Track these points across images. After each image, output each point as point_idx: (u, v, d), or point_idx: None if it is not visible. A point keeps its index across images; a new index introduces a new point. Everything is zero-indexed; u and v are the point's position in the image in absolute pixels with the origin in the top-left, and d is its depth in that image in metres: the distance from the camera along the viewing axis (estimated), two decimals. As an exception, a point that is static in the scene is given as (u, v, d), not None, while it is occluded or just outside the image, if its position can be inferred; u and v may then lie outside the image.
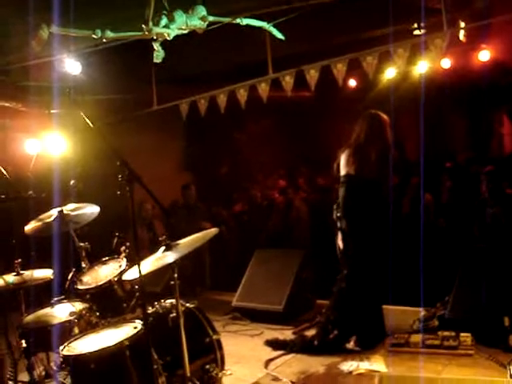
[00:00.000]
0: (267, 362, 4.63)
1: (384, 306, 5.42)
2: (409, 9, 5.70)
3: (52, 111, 6.86)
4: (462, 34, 5.67)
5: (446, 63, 7.17)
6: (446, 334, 4.50)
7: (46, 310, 3.69)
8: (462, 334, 4.44)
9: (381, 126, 4.79)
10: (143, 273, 2.95)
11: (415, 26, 6.54)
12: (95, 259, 4.15)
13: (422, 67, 6.64)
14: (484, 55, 7.10)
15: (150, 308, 3.61)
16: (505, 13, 5.28)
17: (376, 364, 4.28)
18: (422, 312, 4.99)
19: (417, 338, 4.56)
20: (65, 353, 3.00)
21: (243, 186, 9.41)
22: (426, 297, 4.93)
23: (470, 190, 6.89)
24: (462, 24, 5.65)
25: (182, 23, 4.23)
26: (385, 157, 4.70)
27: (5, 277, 3.86)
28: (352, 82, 8.90)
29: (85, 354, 2.94)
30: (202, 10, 4.37)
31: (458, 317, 4.68)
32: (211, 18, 4.46)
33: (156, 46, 4.59)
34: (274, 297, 5.68)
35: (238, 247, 7.62)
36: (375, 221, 4.72)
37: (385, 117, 4.86)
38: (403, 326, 4.93)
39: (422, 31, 6.40)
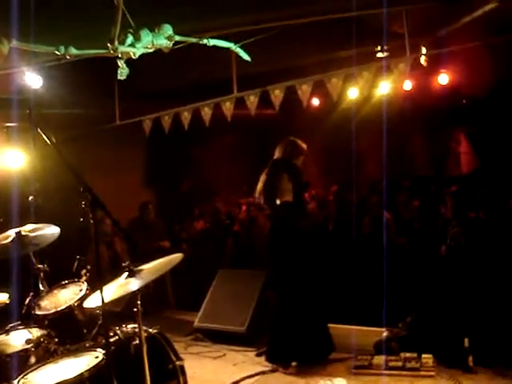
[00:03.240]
0: (230, 386, 4.57)
1: (347, 326, 5.49)
2: (373, 32, 5.82)
3: (9, 124, 6.68)
4: (423, 59, 5.81)
5: (408, 85, 7.35)
6: (408, 355, 4.55)
7: (1, 338, 3.51)
8: (423, 356, 4.50)
9: (293, 152, 5.00)
10: (105, 301, 2.86)
11: (378, 48, 6.68)
12: (54, 281, 4.01)
13: (384, 88, 6.76)
14: (443, 79, 7.32)
15: (111, 333, 3.50)
16: (463, 41, 5.47)
17: (339, 387, 4.26)
18: (384, 332, 5.01)
19: (380, 359, 4.59)
20: (21, 386, 2.86)
21: (206, 203, 9.35)
22: (390, 317, 4.99)
23: (431, 209, 7.04)
24: (424, 50, 5.80)
25: (148, 42, 4.16)
26: (295, 183, 4.86)
27: (-44, 301, 3.67)
28: (315, 101, 9.00)
29: (42, 387, 2.81)
30: (168, 29, 4.32)
31: (418, 338, 4.74)
32: (178, 38, 4.40)
33: (121, 63, 4.50)
34: (237, 318, 5.62)
35: (201, 265, 7.52)
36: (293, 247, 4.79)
37: (302, 145, 5.07)
38: (366, 346, 4.96)
39: (385, 54, 6.55)
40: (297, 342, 4.70)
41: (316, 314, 4.79)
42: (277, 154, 5.05)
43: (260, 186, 4.96)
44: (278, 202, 4.75)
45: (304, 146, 5.09)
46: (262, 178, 4.96)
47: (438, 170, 10.32)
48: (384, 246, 5.79)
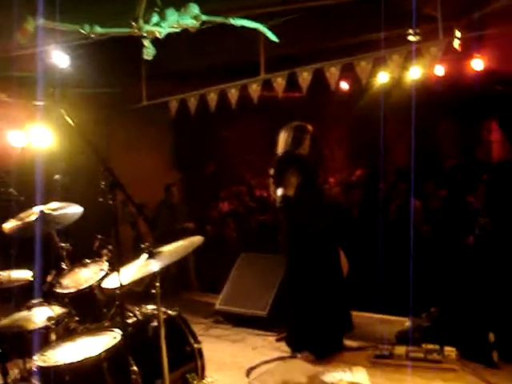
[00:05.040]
0: (249, 370, 4.55)
1: (369, 314, 5.43)
2: (404, 14, 5.63)
3: (37, 103, 6.72)
4: (456, 43, 5.60)
5: (439, 70, 7.13)
6: (430, 347, 4.46)
7: (23, 314, 3.56)
8: (446, 348, 4.39)
9: (296, 141, 4.78)
10: (125, 282, 2.85)
11: (410, 31, 6.48)
12: (77, 260, 4.04)
13: (414, 73, 6.57)
14: (477, 64, 7.07)
15: (130, 314, 3.51)
16: (499, 25, 5.26)
17: (359, 376, 4.21)
18: (407, 322, 4.93)
19: (401, 349, 4.51)
20: (39, 363, 2.88)
21: (232, 185, 9.33)
22: (413, 306, 4.89)
23: (458, 199, 6.88)
24: (458, 33, 5.59)
25: (173, 22, 4.10)
26: (305, 168, 4.71)
27: (-19, 277, 3.73)
28: (344, 85, 8.83)
29: (60, 365, 2.83)
30: (194, 9, 4.24)
31: (442, 329, 4.64)
32: (204, 18, 4.33)
33: (146, 43, 4.46)
34: (258, 302, 5.59)
35: (224, 247, 7.53)
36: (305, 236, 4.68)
37: (305, 126, 4.86)
38: (388, 336, 4.88)
39: (417, 37, 6.34)
40: (310, 328, 4.68)
41: (329, 298, 4.71)
42: (280, 145, 4.84)
43: (271, 185, 4.86)
44: (278, 193, 4.61)
45: (308, 126, 4.86)
46: (271, 177, 4.84)
47: (468, 158, 10.08)
48: (410, 234, 5.67)
